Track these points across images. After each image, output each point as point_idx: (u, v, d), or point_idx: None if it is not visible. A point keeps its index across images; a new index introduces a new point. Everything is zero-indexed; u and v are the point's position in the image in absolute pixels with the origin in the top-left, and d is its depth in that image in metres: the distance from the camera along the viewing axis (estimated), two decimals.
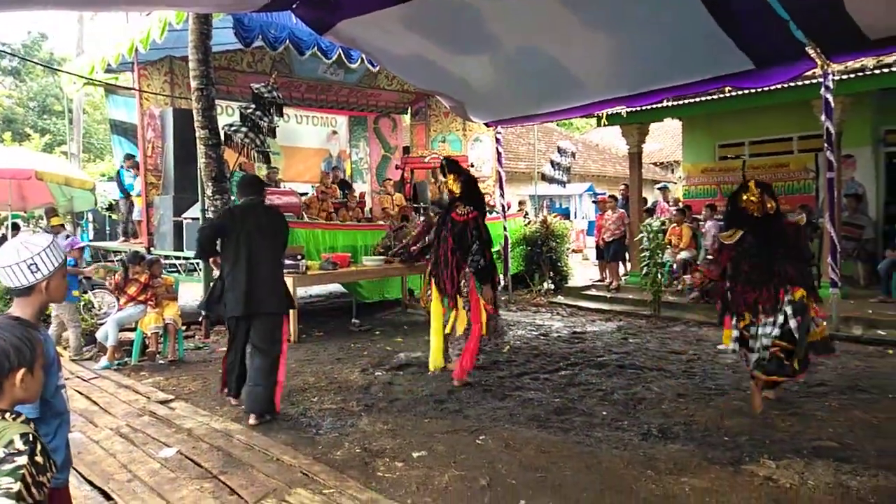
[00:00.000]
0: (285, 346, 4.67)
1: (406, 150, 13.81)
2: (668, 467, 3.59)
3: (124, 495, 3.32)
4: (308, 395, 5.18)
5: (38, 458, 1.40)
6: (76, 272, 6.95)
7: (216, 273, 6.75)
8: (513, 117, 8.91)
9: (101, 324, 7.66)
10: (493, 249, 5.46)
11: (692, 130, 12.03)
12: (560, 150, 12.43)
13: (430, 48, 6.32)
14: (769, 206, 4.54)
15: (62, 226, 9.48)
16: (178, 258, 8.67)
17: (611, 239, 10.43)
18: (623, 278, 10.64)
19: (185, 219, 8.32)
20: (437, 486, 3.40)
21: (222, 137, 7.52)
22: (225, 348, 6.96)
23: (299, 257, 7.65)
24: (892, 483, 3.31)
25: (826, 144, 6.65)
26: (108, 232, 12.37)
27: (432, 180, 12.44)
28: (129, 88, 10.26)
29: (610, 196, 11.70)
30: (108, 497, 3.35)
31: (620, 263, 10.86)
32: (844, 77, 7.68)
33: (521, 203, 14.16)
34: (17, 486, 1.33)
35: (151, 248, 8.96)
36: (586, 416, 4.55)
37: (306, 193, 11.22)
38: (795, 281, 4.43)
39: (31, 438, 1.40)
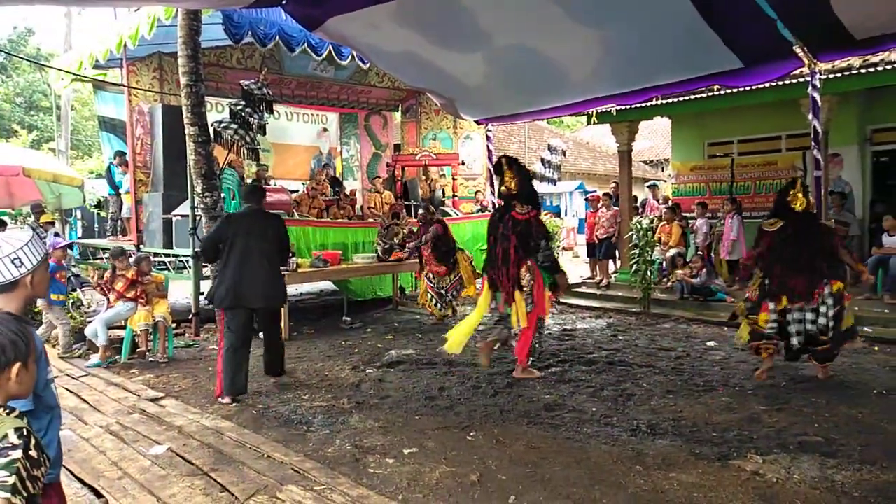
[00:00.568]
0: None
1: (397, 147, 13.80)
2: (656, 462, 3.62)
3: (115, 493, 3.32)
4: (299, 393, 5.18)
5: (33, 453, 1.40)
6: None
7: (206, 272, 6.92)
8: (503, 115, 8.92)
9: (91, 321, 7.62)
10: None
11: (681, 129, 12.10)
12: (550, 148, 12.49)
13: (420, 45, 6.32)
14: (810, 203, 5.29)
15: (52, 223, 9.42)
16: (167, 255, 8.62)
17: (604, 236, 10.49)
18: (613, 276, 10.69)
19: (175, 216, 8.27)
20: (428, 483, 3.42)
21: (212, 134, 7.48)
22: (215, 346, 6.99)
23: (290, 255, 7.63)
24: (876, 477, 3.37)
25: (813, 143, 6.70)
26: (96, 229, 12.30)
27: (423, 178, 12.45)
28: (118, 85, 10.19)
29: (604, 194, 11.75)
30: (98, 495, 3.35)
31: (610, 261, 10.92)
32: (831, 76, 7.76)
33: None
34: (12, 480, 1.34)
35: (141, 246, 8.90)
36: (576, 412, 4.58)
37: (297, 191, 11.21)
38: (832, 275, 5.12)
39: (25, 433, 1.41)
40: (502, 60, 6.54)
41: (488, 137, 10.33)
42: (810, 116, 6.68)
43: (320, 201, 10.34)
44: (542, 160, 12.52)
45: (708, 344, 6.74)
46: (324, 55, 9.10)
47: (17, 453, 1.37)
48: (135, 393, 5.16)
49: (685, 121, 11.77)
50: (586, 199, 13.72)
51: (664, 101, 9.49)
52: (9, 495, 1.32)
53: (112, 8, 10.27)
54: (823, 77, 7.01)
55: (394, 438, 4.10)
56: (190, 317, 7.77)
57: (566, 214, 21.53)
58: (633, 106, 9.25)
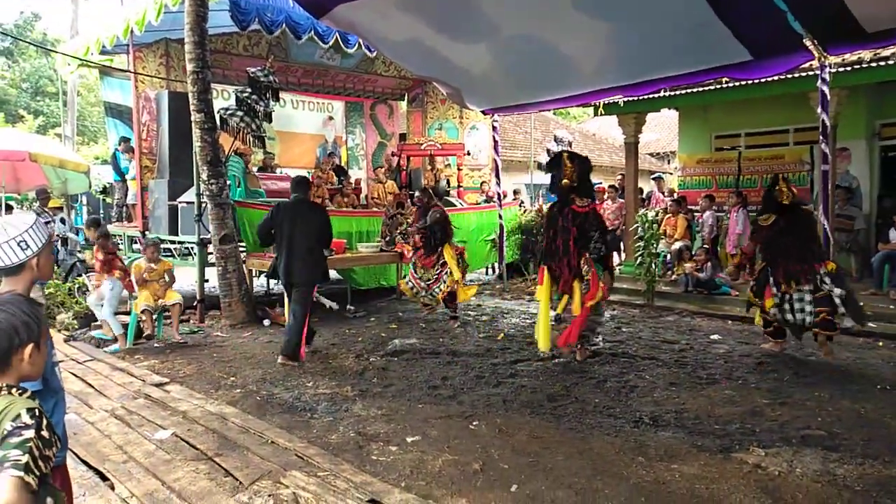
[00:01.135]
0: (308, 309, 5.86)
1: (402, 136, 13.76)
2: (658, 454, 3.63)
3: (120, 476, 3.35)
4: (303, 380, 5.20)
5: (44, 433, 1.42)
6: None
7: (211, 258, 7.04)
8: (510, 105, 8.89)
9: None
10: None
11: (688, 121, 12.03)
12: (556, 139, 12.41)
13: (427, 34, 6.30)
14: (794, 195, 5.74)
15: (59, 208, 9.45)
16: (172, 242, 8.65)
17: (609, 228, 10.46)
18: (617, 268, 10.67)
19: (180, 203, 8.29)
20: (431, 470, 3.44)
21: (218, 121, 7.48)
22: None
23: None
24: (879, 472, 3.37)
25: (821, 137, 6.67)
26: (101, 215, 12.32)
27: (428, 168, 12.43)
28: (124, 70, 10.19)
29: (610, 186, 11.72)
30: (103, 478, 3.37)
31: (615, 253, 10.91)
32: (841, 70, 7.70)
33: (515, 192, 14.19)
34: (25, 459, 1.35)
35: (146, 232, 8.93)
36: (579, 403, 4.59)
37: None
38: (823, 256, 5.77)
39: (37, 413, 1.43)
40: (509, 50, 6.51)
41: (494, 128, 10.30)
42: (819, 110, 6.64)
43: (325, 190, 10.33)
44: (548, 151, 12.45)
45: (712, 337, 6.74)
46: (330, 43, 9.08)
47: (30, 433, 1.39)
48: (140, 378, 5.19)
49: (692, 113, 11.71)
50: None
51: (671, 93, 9.43)
52: (22, 474, 1.34)
53: None
54: (833, 70, 6.97)
55: (397, 426, 4.12)
56: (195, 303, 7.80)
57: None
58: (641, 97, 9.20)
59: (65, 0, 25.64)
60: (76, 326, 7.06)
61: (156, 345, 6.52)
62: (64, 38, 24.00)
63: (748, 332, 6.91)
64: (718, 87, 9.04)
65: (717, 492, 3.17)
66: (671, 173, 19.56)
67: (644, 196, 11.93)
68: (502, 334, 6.94)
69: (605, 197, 10.96)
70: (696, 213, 10.18)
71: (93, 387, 4.97)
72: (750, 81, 8.10)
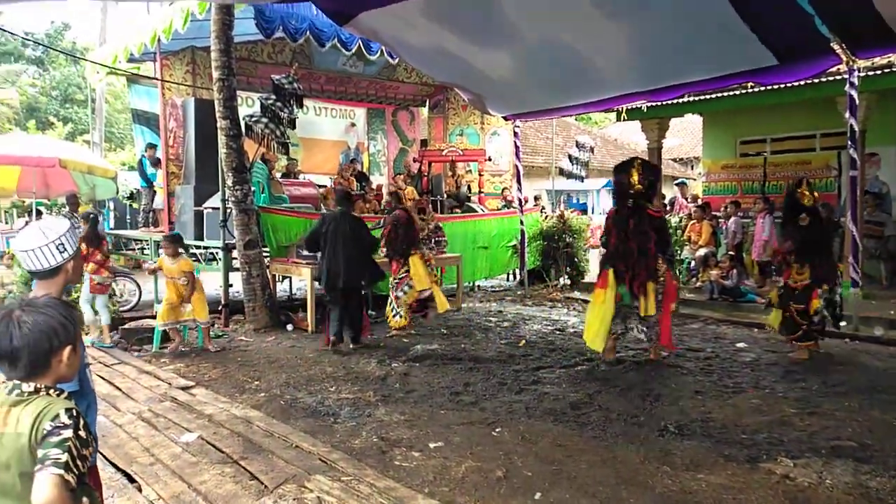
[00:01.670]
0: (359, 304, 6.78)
1: (423, 142, 13.82)
2: (684, 463, 3.59)
3: (147, 478, 3.39)
4: (326, 385, 5.23)
5: (82, 433, 1.45)
6: None
7: (236, 263, 7.17)
8: (531, 111, 8.89)
9: (123, 310, 7.81)
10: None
11: (713, 126, 11.91)
12: (578, 145, 12.39)
13: (449, 40, 6.33)
14: (816, 199, 5.94)
15: (89, 213, 9.62)
16: (198, 247, 8.77)
17: None
18: None
19: (206, 208, 8.41)
20: (454, 477, 3.43)
21: (243, 128, 7.58)
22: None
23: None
24: None
25: (849, 142, 6.56)
26: (128, 220, 12.53)
27: (449, 173, 12.46)
28: (152, 78, 10.36)
29: None
30: (131, 480, 3.42)
31: None
32: (870, 73, 7.57)
33: (536, 198, 14.16)
34: (64, 458, 1.38)
35: None
36: (602, 410, 4.55)
37: (324, 185, 11.30)
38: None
39: (74, 413, 1.46)
40: (531, 56, 6.52)
41: (516, 134, 10.30)
42: (847, 115, 6.54)
43: (403, 194, 10.34)
44: (570, 157, 12.43)
45: (738, 345, 6.64)
46: (353, 50, 9.17)
47: (69, 433, 1.42)
48: (166, 381, 5.26)
49: (717, 118, 11.59)
50: (612, 195, 13.57)
51: (696, 98, 9.36)
52: (62, 472, 1.37)
53: (146, 3, 10.44)
54: (862, 74, 6.85)
55: (419, 432, 4.12)
56: (220, 308, 7.89)
57: (593, 212, 21.37)
58: (664, 103, 9.13)
59: (94, 10, 26.21)
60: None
61: (181, 349, 6.60)
62: (93, 46, 24.52)
63: (775, 341, 6.79)
64: (744, 91, 8.94)
65: (744, 502, 3.12)
66: (695, 179, 19.35)
67: (667, 202, 11.81)
68: (524, 341, 6.91)
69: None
70: (719, 220, 10.06)
71: (120, 390, 5.05)
72: (776, 86, 8.00)
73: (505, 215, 11.20)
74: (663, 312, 5.79)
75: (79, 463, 1.42)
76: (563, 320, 8.22)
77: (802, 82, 7.55)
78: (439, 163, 12.38)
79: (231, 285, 8.17)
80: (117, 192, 11.71)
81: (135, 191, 11.87)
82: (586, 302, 9.50)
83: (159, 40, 8.37)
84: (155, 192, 10.78)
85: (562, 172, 13.10)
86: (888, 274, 8.81)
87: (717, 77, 6.39)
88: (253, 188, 7.86)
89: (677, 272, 8.61)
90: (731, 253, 9.26)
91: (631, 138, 25.08)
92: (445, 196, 11.83)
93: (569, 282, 10.83)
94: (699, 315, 8.30)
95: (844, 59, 5.74)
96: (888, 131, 9.34)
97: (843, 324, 6.45)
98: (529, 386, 5.19)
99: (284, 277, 8.63)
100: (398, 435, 4.06)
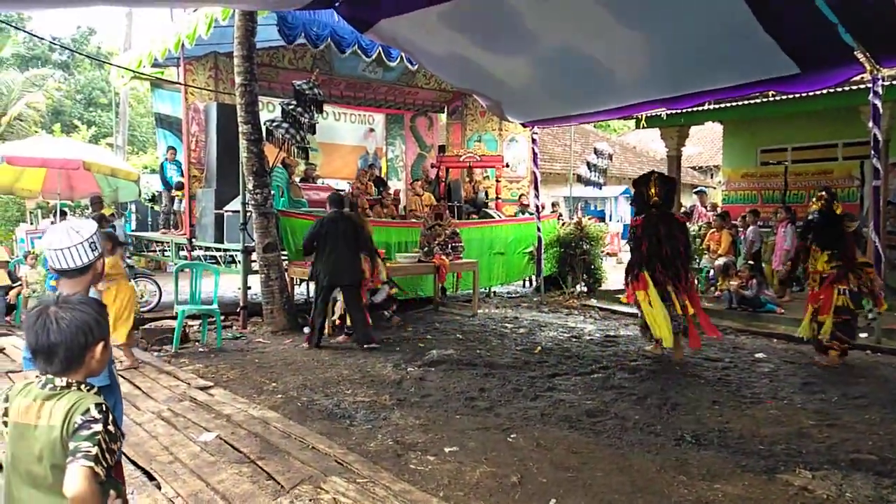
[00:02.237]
0: (361, 303, 6.93)
1: (442, 148, 13.87)
2: (700, 473, 3.56)
3: (166, 476, 3.44)
4: (342, 388, 5.27)
5: (111, 427, 1.49)
6: None
7: (255, 266, 7.29)
8: (550, 118, 8.90)
9: (144, 311, 7.90)
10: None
11: (733, 135, 11.83)
12: (597, 152, 12.34)
13: (468, 47, 6.36)
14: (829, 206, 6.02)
15: (113, 215, 9.81)
16: (218, 250, 8.88)
17: None
18: None
19: (227, 212, 8.51)
20: (469, 481, 3.44)
21: (264, 133, 7.67)
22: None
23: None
24: None
25: (873, 152, 6.49)
26: (149, 223, 12.72)
27: (467, 179, 12.49)
28: (175, 83, 10.53)
29: None
30: (150, 477, 3.47)
31: None
32: (894, 82, 7.48)
33: (554, 205, 14.14)
34: (95, 451, 1.43)
35: (192, 240, 9.19)
36: (618, 419, 4.53)
37: (343, 190, 11.39)
38: None
39: (104, 408, 1.50)
40: (550, 63, 6.53)
41: (533, 140, 10.32)
42: (870, 124, 6.47)
43: (364, 201, 10.47)
44: (588, 164, 12.38)
45: (756, 355, 6.58)
46: (373, 56, 9.23)
47: (99, 427, 1.46)
48: (185, 381, 5.32)
49: (737, 127, 11.52)
50: (632, 205, 13.53)
51: (716, 106, 9.31)
52: (93, 464, 1.41)
53: (169, 8, 10.63)
54: (886, 83, 6.78)
55: (434, 436, 4.13)
56: (238, 310, 7.97)
57: (611, 219, 21.26)
58: (684, 110, 9.10)
59: (119, 15, 26.71)
60: None
61: (200, 349, 6.69)
62: (117, 51, 24.93)
63: (794, 351, 6.73)
64: (764, 100, 8.88)
65: None
66: (714, 187, 19.21)
67: (686, 210, 11.73)
68: (539, 347, 6.90)
69: None
70: (738, 229, 9.98)
71: (140, 389, 5.12)
72: (797, 95, 7.94)
73: (521, 222, 11.21)
74: (696, 308, 6.18)
75: (108, 456, 1.46)
76: (579, 328, 8.19)
77: (825, 91, 7.48)
78: (457, 168, 12.42)
79: (249, 288, 8.26)
80: (139, 195, 11.89)
81: (157, 193, 12.06)
82: (603, 310, 9.52)
83: (183, 45, 8.50)
84: (174, 196, 10.95)
85: (579, 179, 13.04)
86: None
87: (737, 85, 6.35)
88: (273, 192, 7.95)
89: (696, 281, 8.55)
90: (750, 262, 9.17)
91: (650, 146, 24.97)
92: (463, 202, 11.87)
93: (585, 289, 10.80)
94: (718, 325, 8.15)
95: (868, 67, 5.69)
96: None
97: (863, 335, 6.39)
98: (545, 393, 5.19)
99: (302, 280, 8.69)
100: (413, 439, 4.08)
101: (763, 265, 9.42)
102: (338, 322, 7.33)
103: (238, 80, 7.50)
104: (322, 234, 6.66)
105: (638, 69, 6.44)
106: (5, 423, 1.58)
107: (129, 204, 13.26)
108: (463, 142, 13.45)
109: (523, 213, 11.89)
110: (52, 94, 24.39)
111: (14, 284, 8.44)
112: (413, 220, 10.14)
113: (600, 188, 13.21)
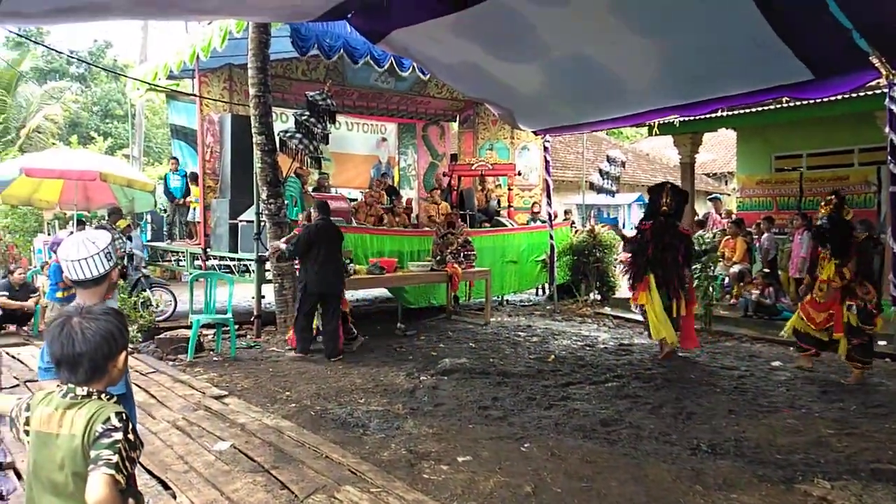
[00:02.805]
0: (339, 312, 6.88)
1: (454, 157, 13.91)
2: (717, 483, 3.53)
3: (181, 485, 3.46)
4: (355, 397, 5.27)
5: (130, 436, 1.51)
6: None
7: (269, 276, 7.31)
8: (562, 126, 8.89)
9: (159, 320, 7.97)
10: None
11: (747, 141, 11.76)
12: (609, 160, 12.31)
13: (480, 56, 6.39)
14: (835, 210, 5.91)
15: (129, 226, 9.91)
16: (232, 259, 8.94)
17: None
18: None
19: (241, 221, 8.57)
20: (482, 491, 3.43)
21: (277, 143, 7.74)
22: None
23: (348, 261, 7.79)
24: None
25: (889, 157, 6.41)
26: (164, 233, 12.84)
27: (479, 188, 12.50)
28: (190, 94, 10.65)
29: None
30: (166, 486, 3.49)
31: None
32: None
33: (566, 212, 14.09)
34: (115, 458, 1.45)
35: (207, 249, 9.26)
36: (633, 428, 4.50)
37: (355, 199, 11.44)
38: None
39: (124, 417, 1.52)
40: (561, 71, 6.54)
41: (546, 148, 10.31)
42: (887, 129, 6.40)
43: (377, 209, 10.51)
44: (601, 171, 12.35)
45: (773, 364, 6.51)
46: (385, 67, 9.29)
47: (119, 435, 1.48)
48: (200, 390, 5.36)
49: (751, 133, 11.44)
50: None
51: (729, 113, 9.26)
52: (113, 472, 1.43)
53: (185, 21, 10.76)
54: None
55: (448, 445, 4.12)
56: (252, 319, 8.02)
57: (624, 227, 21.13)
58: (697, 117, 9.06)
59: (135, 28, 27.10)
60: (140, 339, 7.34)
61: (214, 358, 6.73)
62: (133, 63, 25.28)
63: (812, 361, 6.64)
64: (778, 106, 8.83)
65: None
66: (728, 194, 19.08)
67: (701, 217, 11.65)
68: (553, 356, 6.87)
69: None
70: (753, 236, 9.90)
71: (155, 398, 5.15)
72: (812, 100, 7.88)
73: (534, 230, 11.19)
74: (687, 315, 6.70)
75: (128, 464, 1.48)
76: (593, 336, 8.15)
77: (840, 97, 7.43)
78: (469, 177, 12.44)
79: (263, 297, 8.31)
80: (155, 205, 12.01)
81: (160, 207, 12.16)
82: (617, 318, 9.46)
83: (198, 58, 8.61)
84: (177, 205, 11.07)
85: (592, 187, 13.01)
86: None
87: (751, 91, 6.32)
88: (286, 202, 8.00)
89: (710, 288, 8.49)
90: (766, 270, 9.09)
91: (663, 153, 24.86)
92: (475, 210, 11.87)
93: (599, 297, 10.75)
94: (733, 333, 8.15)
95: (884, 73, 5.62)
96: None
97: (882, 342, 6.29)
98: (559, 402, 5.16)
99: None
100: (426, 448, 4.07)
101: (779, 272, 9.32)
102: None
103: (252, 91, 7.57)
104: (315, 241, 6.68)
105: (651, 76, 6.43)
106: (27, 432, 1.60)
107: (144, 214, 13.40)
108: (475, 150, 13.47)
109: (535, 222, 11.88)
110: (70, 106, 24.76)
111: (31, 295, 8.54)
112: (426, 229, 10.17)
113: (613, 196, 13.16)
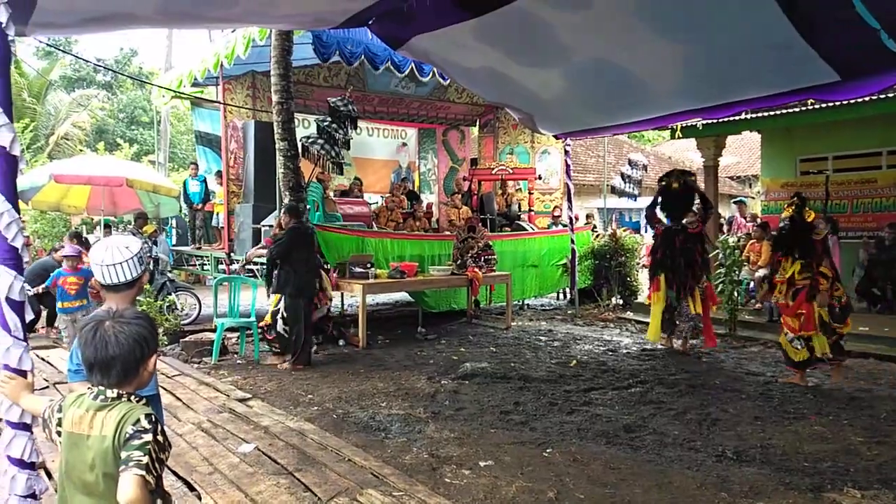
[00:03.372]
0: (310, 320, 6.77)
1: (474, 161, 13.92)
2: (742, 490, 3.48)
3: (206, 487, 3.50)
4: (377, 400, 5.30)
5: (160, 437, 1.54)
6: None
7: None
8: (583, 129, 8.85)
9: (184, 324, 8.08)
10: None
11: (772, 144, 11.60)
12: (631, 163, 12.23)
13: (501, 61, 6.39)
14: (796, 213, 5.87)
15: (155, 231, 10.09)
16: (255, 263, 9.03)
17: None
18: None
19: (264, 226, 8.67)
20: (505, 496, 3.42)
21: (300, 149, 7.82)
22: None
23: (369, 265, 7.83)
24: None
25: None
26: (189, 237, 13.03)
27: (499, 192, 12.49)
28: (214, 101, 10.81)
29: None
30: (191, 488, 3.53)
31: None
32: None
33: (588, 216, 14.03)
34: (145, 460, 1.48)
35: (231, 254, 9.37)
36: (657, 434, 4.46)
37: (376, 203, 11.51)
38: None
39: (153, 419, 1.56)
40: (582, 75, 6.51)
41: (566, 152, 10.28)
42: None
43: (398, 214, 10.56)
44: (622, 175, 12.27)
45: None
46: (406, 72, 9.35)
47: (149, 437, 1.51)
48: (224, 393, 5.42)
49: (776, 135, 11.29)
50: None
51: (753, 115, 9.16)
52: (144, 473, 1.46)
53: (209, 29, 10.93)
54: None
55: (469, 450, 4.12)
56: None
57: (646, 231, 20.96)
58: (720, 120, 8.97)
59: (160, 36, 27.56)
60: (166, 342, 7.45)
61: (238, 361, 6.80)
62: (158, 71, 25.74)
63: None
64: (804, 108, 8.71)
65: None
66: (753, 197, 18.84)
67: (725, 221, 11.52)
68: (575, 361, 6.84)
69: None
70: None
71: (181, 400, 5.22)
72: (838, 102, 7.77)
73: (555, 234, 11.15)
74: (704, 313, 7.13)
75: (157, 465, 1.51)
76: (615, 341, 8.09)
77: (867, 98, 7.30)
78: (489, 181, 12.44)
79: None
80: (180, 211, 12.20)
81: (183, 213, 12.33)
82: (640, 323, 9.37)
83: (222, 65, 8.74)
84: (196, 211, 11.22)
85: (614, 191, 12.94)
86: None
87: (775, 94, 6.24)
88: (308, 206, 8.07)
89: (735, 293, 8.38)
90: None
91: (685, 155, 24.62)
92: (495, 214, 11.87)
93: (621, 302, 10.67)
94: (759, 338, 8.03)
95: None
96: None
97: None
98: (581, 407, 5.13)
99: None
100: (448, 452, 4.07)
101: None
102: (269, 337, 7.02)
103: (275, 98, 7.66)
104: (295, 245, 6.54)
105: (674, 79, 6.37)
106: (59, 433, 1.64)
107: (169, 219, 13.61)
108: (495, 154, 13.47)
109: (556, 226, 11.83)
110: (97, 113, 25.24)
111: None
112: (446, 233, 10.18)
113: (635, 199, 13.06)
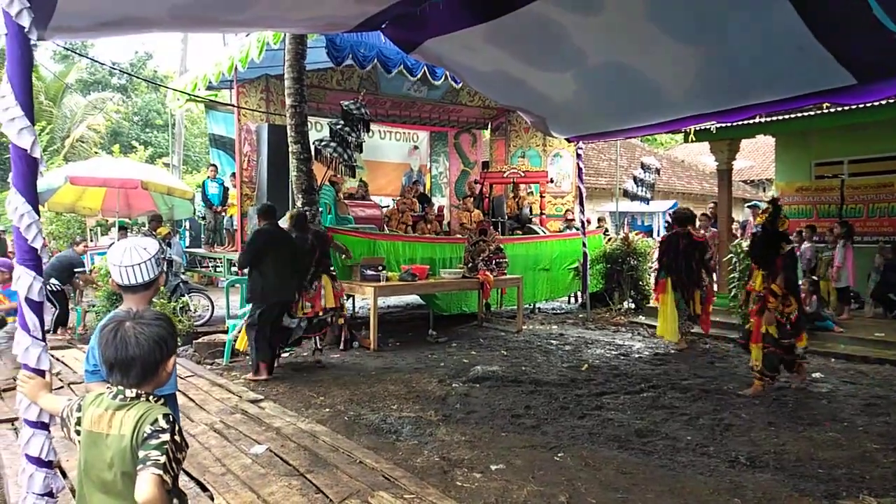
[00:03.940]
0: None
1: (485, 164, 13.92)
2: (756, 497, 3.45)
3: (219, 488, 3.52)
4: (388, 403, 5.31)
5: (177, 437, 1.56)
6: None
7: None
8: (595, 133, 8.82)
9: (197, 325, 8.13)
10: None
11: (786, 148, 11.51)
12: (644, 167, 12.19)
13: (513, 64, 6.40)
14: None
15: (170, 233, 10.17)
16: None
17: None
18: None
19: None
20: (516, 500, 3.42)
21: (313, 152, 7.86)
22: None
23: (380, 268, 7.85)
24: None
25: None
26: (202, 239, 13.13)
27: (511, 195, 12.48)
28: (228, 105, 10.89)
29: (702, 214, 11.34)
30: (203, 488, 3.56)
31: None
32: None
33: (600, 220, 13.99)
34: (163, 459, 1.50)
35: None
36: (669, 439, 4.43)
37: (388, 206, 11.54)
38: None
39: (171, 419, 1.57)
40: (595, 78, 6.50)
41: (578, 155, 10.25)
42: None
43: (409, 217, 10.58)
44: (635, 178, 12.24)
45: (813, 375, 6.33)
46: (419, 76, 9.38)
47: (167, 436, 1.53)
48: (237, 394, 5.45)
49: (790, 139, 11.20)
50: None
51: (768, 119, 9.09)
52: (161, 472, 1.48)
53: (223, 33, 11.03)
54: None
55: (480, 453, 4.12)
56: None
57: (659, 235, 20.87)
58: (734, 123, 8.91)
59: (175, 40, 27.79)
60: (179, 343, 7.51)
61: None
62: (173, 74, 25.96)
63: (853, 371, 6.47)
64: (819, 112, 8.63)
65: None
66: (767, 202, 18.67)
67: (739, 225, 11.44)
68: (586, 365, 6.81)
69: (697, 225, 10.61)
70: (794, 245, 9.66)
71: (193, 401, 5.26)
72: (854, 106, 7.70)
73: (566, 237, 11.12)
74: (704, 311, 7.71)
75: (174, 465, 1.53)
76: (627, 345, 8.06)
77: (883, 101, 7.23)
78: (501, 184, 12.43)
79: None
80: (194, 213, 12.30)
81: (198, 214, 12.42)
82: (652, 327, 9.31)
83: (236, 69, 8.80)
84: (216, 212, 11.30)
85: (626, 194, 12.90)
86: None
87: (790, 97, 6.19)
88: (321, 209, 8.11)
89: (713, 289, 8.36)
90: (814, 277, 8.84)
91: (698, 159, 24.50)
92: (506, 217, 11.86)
93: (633, 306, 10.62)
94: None
95: None
96: None
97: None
98: (592, 411, 5.12)
99: (348, 296, 8.81)
100: (459, 455, 4.08)
101: (819, 282, 9.08)
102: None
103: (288, 101, 7.71)
104: (263, 248, 6.19)
105: (687, 83, 6.34)
106: (78, 432, 1.66)
107: (183, 221, 13.72)
108: (507, 158, 13.46)
109: (568, 229, 11.81)
110: (112, 116, 25.52)
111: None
112: (458, 236, 10.18)
113: (648, 203, 13.03)
